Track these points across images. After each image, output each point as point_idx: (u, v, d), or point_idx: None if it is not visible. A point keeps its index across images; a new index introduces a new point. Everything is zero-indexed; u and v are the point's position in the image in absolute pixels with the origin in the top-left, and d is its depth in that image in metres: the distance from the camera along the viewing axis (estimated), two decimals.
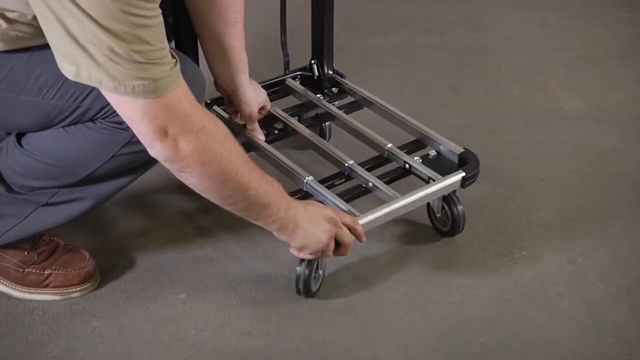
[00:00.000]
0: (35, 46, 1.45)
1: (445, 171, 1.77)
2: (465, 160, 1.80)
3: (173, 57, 1.31)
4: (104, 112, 1.48)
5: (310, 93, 2.03)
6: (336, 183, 1.80)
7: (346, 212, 1.66)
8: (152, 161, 1.61)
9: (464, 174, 1.76)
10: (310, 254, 1.60)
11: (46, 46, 1.45)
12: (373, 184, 1.75)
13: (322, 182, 1.77)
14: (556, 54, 2.58)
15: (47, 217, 1.61)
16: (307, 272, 1.65)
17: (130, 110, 1.31)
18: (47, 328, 1.63)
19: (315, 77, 2.07)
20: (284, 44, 2.04)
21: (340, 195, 1.73)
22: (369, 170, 1.80)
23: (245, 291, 1.72)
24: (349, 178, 1.81)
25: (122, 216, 1.90)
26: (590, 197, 1.98)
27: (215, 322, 1.65)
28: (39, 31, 1.42)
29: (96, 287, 1.72)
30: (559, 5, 2.85)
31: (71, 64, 1.25)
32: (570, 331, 1.63)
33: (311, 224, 1.56)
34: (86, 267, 1.70)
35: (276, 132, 1.94)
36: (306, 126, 1.95)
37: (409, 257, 1.79)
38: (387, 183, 1.76)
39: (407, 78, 2.45)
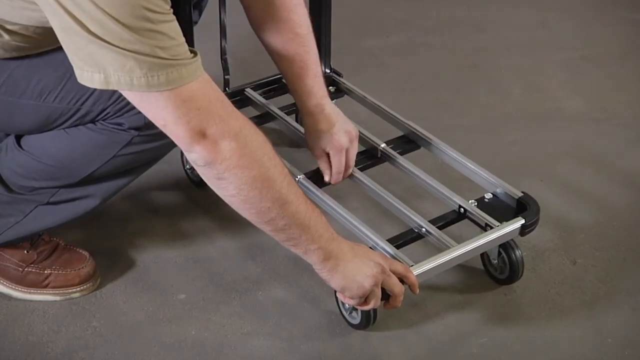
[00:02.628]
0: (34, 53, 1.46)
1: (502, 217, 1.64)
2: (525, 206, 1.66)
3: (192, 52, 1.28)
4: (105, 114, 1.48)
5: None
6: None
7: (397, 259, 1.55)
8: (152, 161, 1.62)
9: (523, 221, 1.63)
10: (351, 298, 1.50)
11: (45, 52, 1.46)
12: (426, 229, 1.63)
13: (313, 180, 1.76)
14: (556, 54, 2.58)
15: (48, 216, 1.61)
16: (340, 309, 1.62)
17: (164, 112, 1.25)
18: (47, 328, 1.63)
19: None
20: None
21: (391, 240, 1.61)
22: (362, 170, 1.80)
23: (245, 291, 1.72)
24: None
25: (121, 216, 1.90)
26: (590, 197, 1.98)
27: (215, 322, 1.65)
28: (40, 42, 1.43)
29: (96, 287, 1.71)
30: (559, 5, 2.85)
31: (98, 72, 1.21)
32: (570, 331, 1.63)
33: (354, 264, 1.45)
34: (86, 267, 1.70)
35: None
36: None
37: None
38: (440, 228, 1.64)
39: (407, 78, 2.45)
